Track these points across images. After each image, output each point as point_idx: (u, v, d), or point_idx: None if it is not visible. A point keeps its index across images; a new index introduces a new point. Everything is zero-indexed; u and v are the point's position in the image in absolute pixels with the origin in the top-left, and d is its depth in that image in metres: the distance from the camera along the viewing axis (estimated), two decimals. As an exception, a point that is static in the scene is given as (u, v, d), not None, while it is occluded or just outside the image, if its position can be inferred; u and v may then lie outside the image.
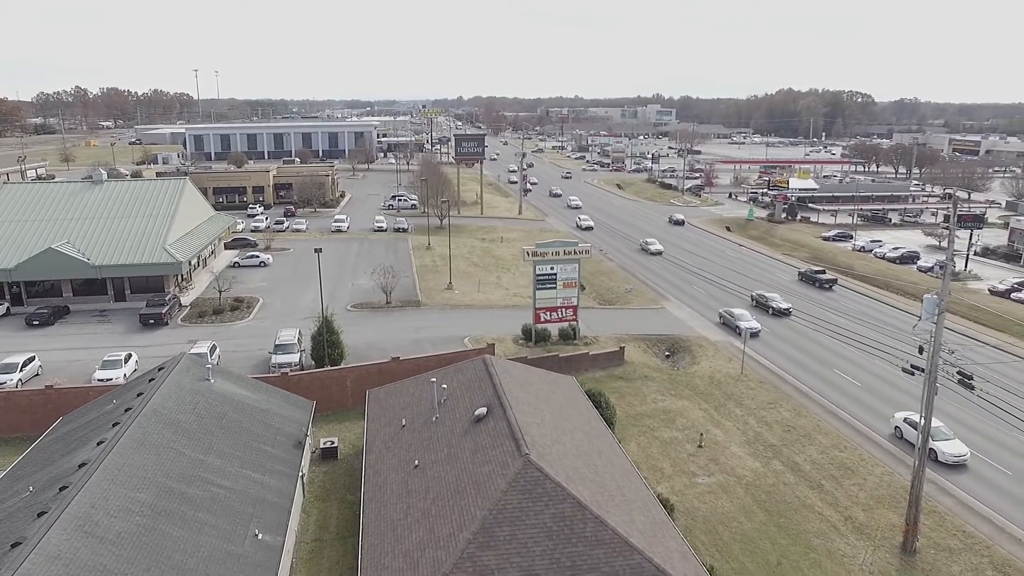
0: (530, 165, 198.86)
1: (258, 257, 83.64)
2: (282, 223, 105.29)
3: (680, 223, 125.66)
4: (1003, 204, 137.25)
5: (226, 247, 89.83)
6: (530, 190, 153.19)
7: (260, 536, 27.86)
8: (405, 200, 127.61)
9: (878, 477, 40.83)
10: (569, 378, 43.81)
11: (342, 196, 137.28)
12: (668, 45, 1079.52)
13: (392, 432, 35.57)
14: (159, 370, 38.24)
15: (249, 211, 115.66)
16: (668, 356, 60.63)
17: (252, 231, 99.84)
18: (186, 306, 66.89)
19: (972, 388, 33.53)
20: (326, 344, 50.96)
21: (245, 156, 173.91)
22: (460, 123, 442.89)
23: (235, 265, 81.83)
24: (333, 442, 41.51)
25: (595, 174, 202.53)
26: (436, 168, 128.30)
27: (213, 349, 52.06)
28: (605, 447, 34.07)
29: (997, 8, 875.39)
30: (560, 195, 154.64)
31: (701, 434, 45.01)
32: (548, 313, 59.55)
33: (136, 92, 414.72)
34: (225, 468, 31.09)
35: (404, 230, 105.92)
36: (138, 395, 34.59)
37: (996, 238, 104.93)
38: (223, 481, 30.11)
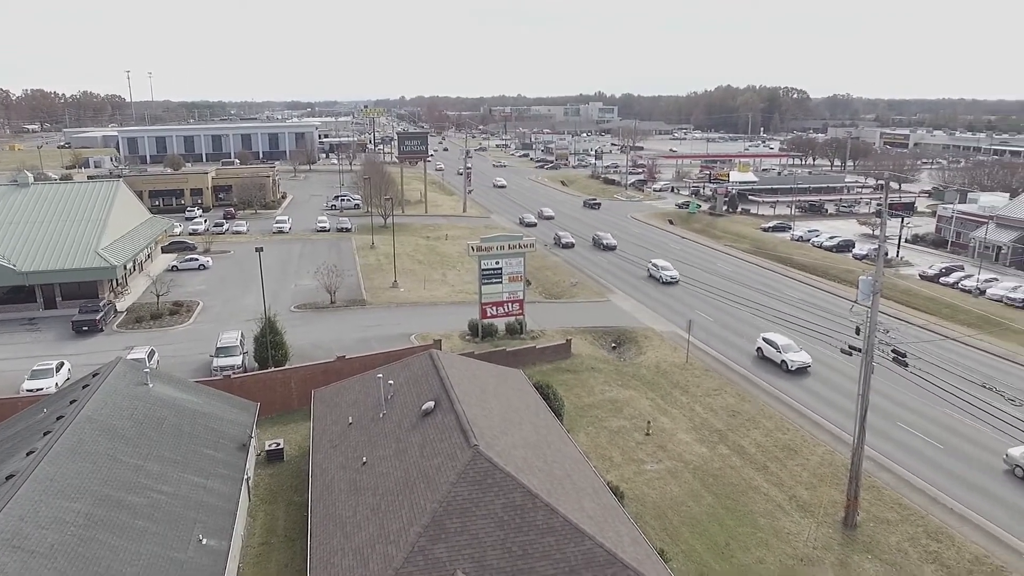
0: (490, 166, 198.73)
1: (197, 260, 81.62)
2: (222, 225, 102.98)
3: (596, 206, 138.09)
4: (930, 193, 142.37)
5: (164, 251, 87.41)
6: (471, 190, 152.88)
7: (204, 541, 27.14)
8: (348, 200, 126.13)
9: (820, 456, 41.90)
10: (517, 371, 43.85)
11: (283, 197, 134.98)
12: (609, 44, 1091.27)
13: (339, 431, 35.07)
14: (94, 376, 36.94)
15: (187, 214, 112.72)
16: (614, 347, 61.15)
17: (191, 234, 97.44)
18: (122, 312, 64.85)
19: (906, 365, 34.65)
20: (269, 345, 50.01)
21: (182, 159, 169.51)
22: (403, 123, 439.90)
23: (173, 269, 79.68)
24: (279, 444, 40.75)
25: (540, 171, 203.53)
26: (379, 167, 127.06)
27: (152, 354, 50.60)
28: (554, 438, 34.17)
29: (922, 8, 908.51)
30: (505, 186, 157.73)
31: (649, 422, 45.52)
32: (494, 308, 59.52)
33: (64, 94, 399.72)
34: (166, 473, 30.19)
35: (347, 230, 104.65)
36: (71, 402, 33.33)
37: (925, 226, 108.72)
38: (164, 487, 29.25)
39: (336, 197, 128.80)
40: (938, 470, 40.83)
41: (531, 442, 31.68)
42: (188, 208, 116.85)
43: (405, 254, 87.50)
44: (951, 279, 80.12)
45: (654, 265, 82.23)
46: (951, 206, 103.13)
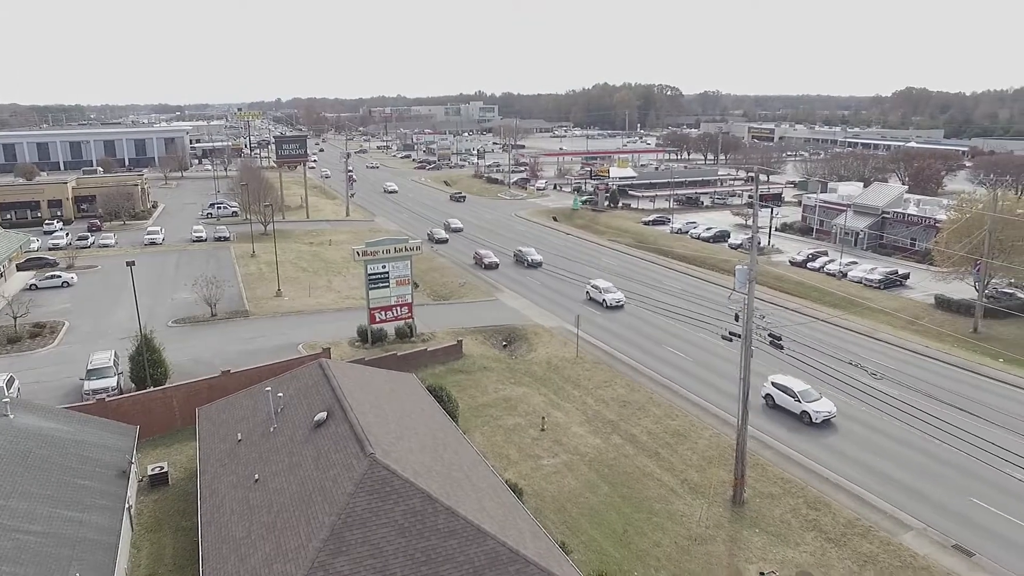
0: (364, 168, 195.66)
1: (59, 277, 76.18)
2: (86, 239, 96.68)
3: (461, 199, 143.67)
4: (795, 184, 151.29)
5: (19, 268, 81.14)
6: (354, 192, 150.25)
7: (83, 578, 25.37)
8: (225, 207, 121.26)
9: (707, 440, 43.71)
10: (409, 375, 43.47)
11: (154, 207, 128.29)
12: (488, 43, 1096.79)
13: (228, 448, 33.63)
14: (-55, 409, 33.80)
15: (46, 227, 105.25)
16: (505, 346, 61.62)
17: (50, 249, 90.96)
18: (-25, 337, 59.69)
19: (781, 348, 36.60)
20: (147, 364, 47.31)
21: (36, 167, 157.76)
22: (280, 126, 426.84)
23: (32, 287, 74.09)
24: (163, 467, 38.64)
25: (422, 172, 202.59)
26: (257, 173, 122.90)
27: (11, 382, 46.68)
28: (451, 440, 34.07)
29: (780, 9, 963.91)
30: (396, 191, 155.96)
31: (543, 418, 46.12)
32: (383, 312, 58.73)
33: None
34: (33, 511, 28.00)
35: (226, 239, 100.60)
36: (-80, 439, 30.41)
37: (793, 215, 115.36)
38: (31, 526, 27.10)
39: (212, 205, 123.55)
40: (814, 444, 43.47)
41: (428, 446, 31.46)
42: (46, 221, 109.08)
43: (288, 262, 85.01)
44: (817, 264, 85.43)
45: (595, 287, 73.84)
46: (814, 196, 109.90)
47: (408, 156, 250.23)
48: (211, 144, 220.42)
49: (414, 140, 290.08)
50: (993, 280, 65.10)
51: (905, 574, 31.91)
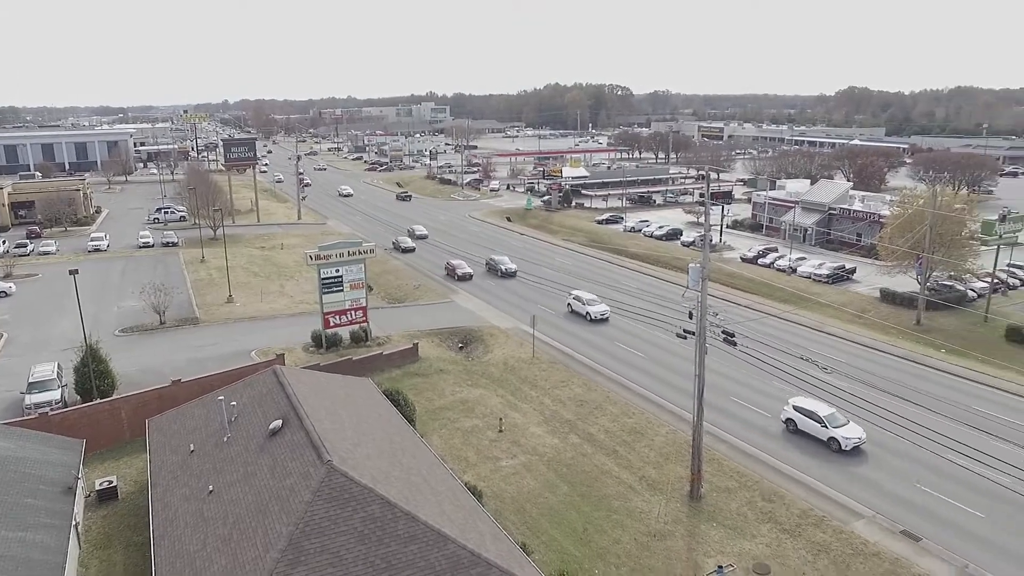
0: (312, 169, 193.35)
1: (-2, 287, 73.59)
2: (25, 246, 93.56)
3: (407, 198, 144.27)
4: (745, 182, 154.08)
5: (-44, 279, 78.13)
6: (305, 195, 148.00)
7: (29, 598, 24.54)
8: (173, 212, 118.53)
9: (664, 436, 44.20)
10: (365, 380, 43.07)
11: (98, 212, 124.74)
12: (438, 44, 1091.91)
13: (180, 460, 32.86)
14: None
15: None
16: (462, 347, 61.46)
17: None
18: (-91, 351, 57.32)
19: (735, 344, 37.21)
20: (92, 375, 45.93)
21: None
22: (228, 128, 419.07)
23: (-31, 298, 71.43)
24: (111, 481, 37.55)
25: (373, 173, 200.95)
26: (205, 176, 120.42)
27: (-51, 396, 45.04)
28: (409, 444, 33.85)
29: (727, 10, 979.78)
30: (351, 194, 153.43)
31: (500, 419, 46.12)
32: (338, 317, 58.07)
33: None
34: (-24, 529, 26.99)
35: (174, 244, 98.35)
36: None
37: (743, 212, 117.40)
38: (-25, 544, 26.13)
39: (159, 210, 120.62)
40: (769, 437, 44.30)
41: (386, 451, 31.19)
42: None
43: (239, 267, 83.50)
44: (768, 260, 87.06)
45: (577, 299, 69.68)
46: (763, 193, 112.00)
47: (360, 158, 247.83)
48: (157, 147, 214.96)
49: (365, 142, 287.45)
50: (934, 273, 67.11)
51: (857, 561, 32.70)
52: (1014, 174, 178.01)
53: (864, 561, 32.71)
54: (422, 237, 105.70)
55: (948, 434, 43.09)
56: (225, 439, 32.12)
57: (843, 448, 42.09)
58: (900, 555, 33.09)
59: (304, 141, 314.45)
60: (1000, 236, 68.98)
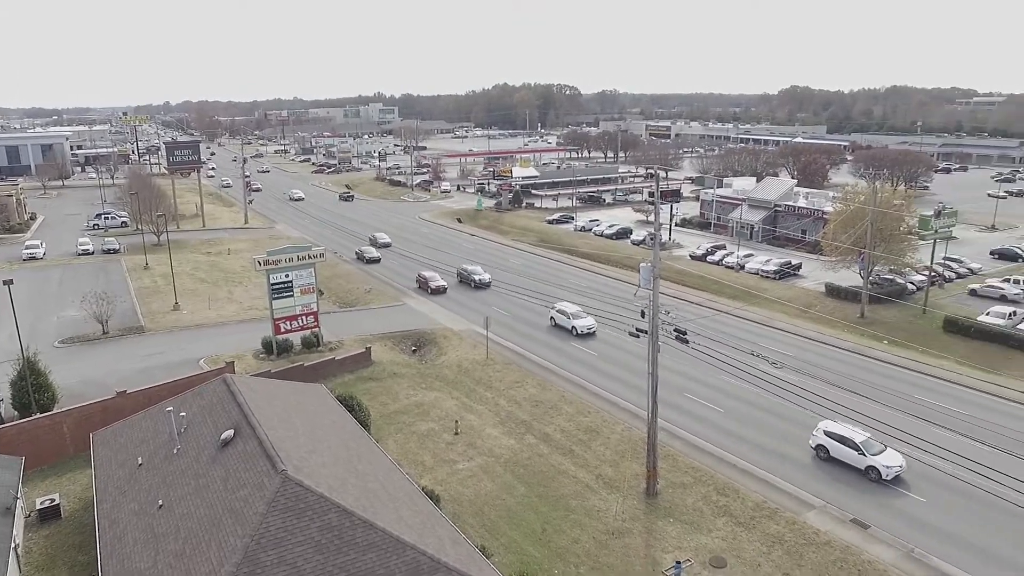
0: (262, 173, 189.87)
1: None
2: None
3: (349, 198, 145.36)
4: (692, 180, 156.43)
5: None
6: (252, 199, 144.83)
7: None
8: (114, 218, 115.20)
9: (619, 434, 44.57)
10: (318, 386, 42.48)
11: (33, 218, 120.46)
12: (385, 44, 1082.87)
13: (127, 474, 31.91)
14: None
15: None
16: (415, 350, 61.07)
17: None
18: None
19: (687, 342, 37.71)
20: (31, 389, 44.31)
21: None
22: (170, 130, 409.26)
23: None
24: (54, 499, 36.25)
25: (321, 176, 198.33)
26: (147, 180, 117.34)
27: None
28: (364, 450, 33.47)
29: (672, 10, 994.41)
30: (303, 198, 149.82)
31: (456, 421, 45.96)
32: (288, 322, 57.18)
33: None
34: (-90, 553, 25.79)
35: (116, 251, 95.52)
36: None
37: (691, 210, 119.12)
38: (-91, 569, 24.97)
39: (99, 215, 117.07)
40: (720, 432, 45.02)
41: (341, 458, 30.79)
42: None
43: (185, 273, 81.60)
44: (716, 257, 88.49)
45: (561, 312, 65.64)
46: (711, 191, 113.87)
47: (308, 160, 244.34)
48: (95, 150, 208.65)
49: (313, 143, 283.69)
50: (876, 267, 69.07)
51: (809, 551, 33.45)
52: (947, 170, 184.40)
53: (816, 550, 33.48)
54: (385, 245, 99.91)
55: (891, 423, 44.37)
56: (175, 451, 31.31)
57: (884, 478, 38.69)
58: (850, 543, 33.96)
59: (250, 143, 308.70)
60: (936, 231, 71.30)
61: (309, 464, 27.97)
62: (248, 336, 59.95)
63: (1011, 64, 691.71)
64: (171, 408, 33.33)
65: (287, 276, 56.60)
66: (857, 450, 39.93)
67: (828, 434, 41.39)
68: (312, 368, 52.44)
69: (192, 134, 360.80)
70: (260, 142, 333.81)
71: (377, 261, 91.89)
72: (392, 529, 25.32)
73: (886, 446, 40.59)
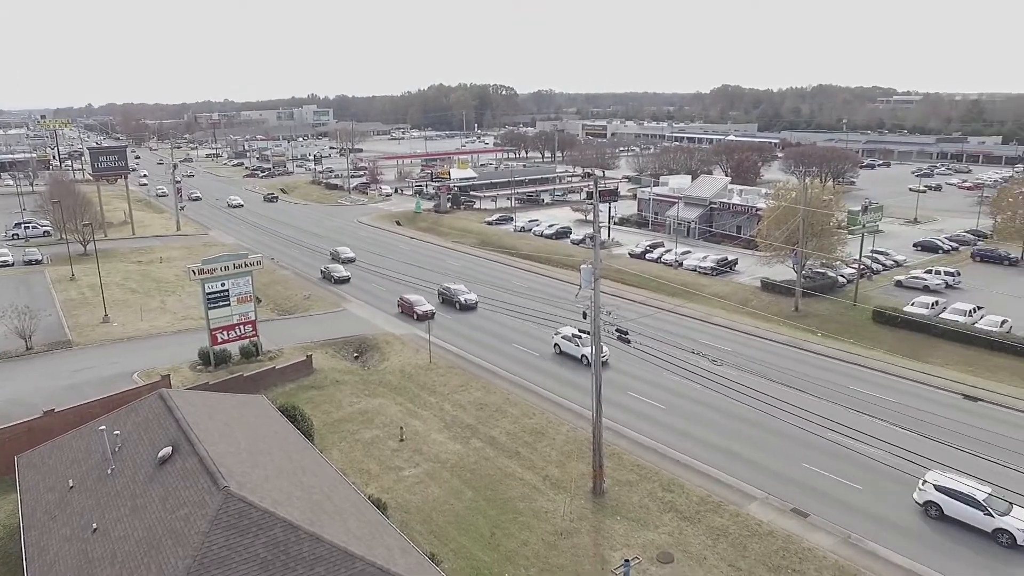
0: (186, 177, 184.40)
1: None
2: None
3: (274, 199, 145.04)
4: (629, 179, 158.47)
5: None
6: (184, 206, 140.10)
7: None
8: (35, 227, 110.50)
9: (565, 435, 44.83)
10: (259, 397, 41.52)
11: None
12: (317, 45, 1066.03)
13: (57, 498, 30.60)
14: None
15: None
16: (357, 357, 60.35)
17: None
18: None
19: (628, 342, 38.16)
20: (-49, 410, 42.21)
21: None
22: (94, 134, 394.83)
23: None
24: (-22, 525, 34.62)
25: (255, 180, 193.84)
26: (70, 187, 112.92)
27: None
28: (309, 461, 32.86)
29: (604, 9, 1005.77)
30: (242, 205, 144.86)
31: (401, 428, 45.57)
32: (226, 332, 55.78)
33: None
34: None
35: (38, 262, 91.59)
36: None
37: (629, 208, 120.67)
38: None
39: (18, 225, 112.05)
40: (664, 428, 45.72)
41: (285, 470, 30.16)
42: None
43: (114, 283, 78.90)
44: (655, 255, 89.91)
45: (568, 339, 57.45)
46: (648, 190, 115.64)
47: (241, 164, 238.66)
48: (11, 156, 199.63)
49: (246, 147, 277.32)
50: (808, 262, 71.19)
51: (753, 542, 34.24)
52: (871, 166, 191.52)
53: (759, 541, 34.29)
54: (350, 260, 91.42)
55: (826, 414, 45.80)
56: (109, 471, 30.16)
57: (1018, 543, 32.85)
58: (791, 532, 34.90)
59: (179, 147, 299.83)
60: (863, 225, 73.95)
61: (252, 479, 27.32)
62: (184, 347, 58.25)
63: (926, 64, 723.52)
64: (104, 426, 32.10)
65: (223, 285, 55.21)
66: (980, 508, 34.28)
67: (939, 488, 35.66)
68: (252, 378, 51.30)
69: (118, 138, 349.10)
70: (190, 146, 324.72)
71: (346, 281, 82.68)
72: (340, 541, 24.92)
73: (1012, 504, 34.35)
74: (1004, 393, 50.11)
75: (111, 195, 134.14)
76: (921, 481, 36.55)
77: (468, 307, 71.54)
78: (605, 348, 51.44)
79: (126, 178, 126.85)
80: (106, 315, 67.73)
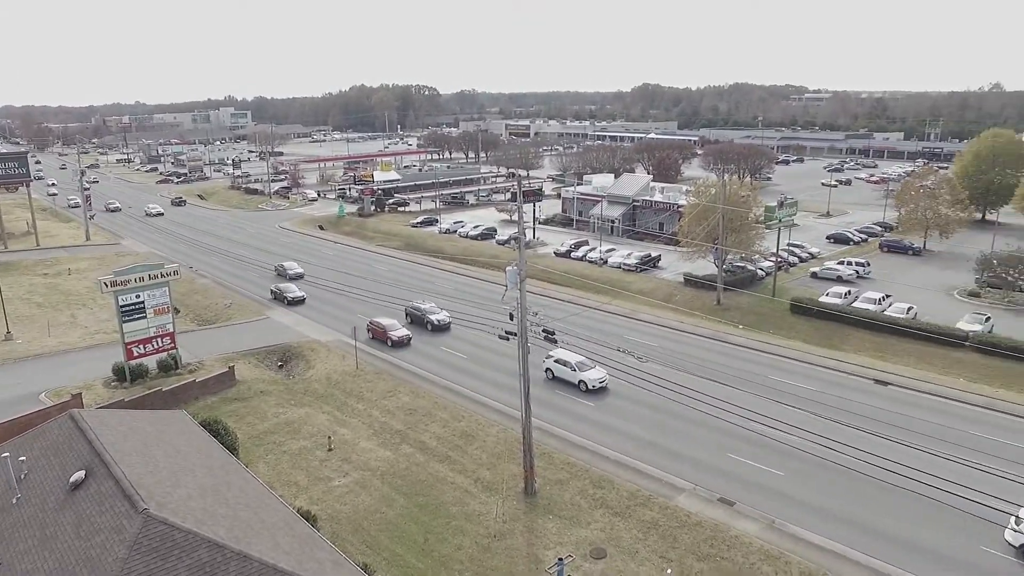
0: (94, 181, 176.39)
1: None
2: None
3: (181, 203, 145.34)
4: (553, 178, 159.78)
5: None
6: (93, 215, 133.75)
7: None
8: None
9: (495, 436, 44.85)
10: (179, 412, 40.04)
11: None
12: (232, 45, 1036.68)
13: (-41, 528, 28.80)
14: None
15: None
16: (281, 366, 59.01)
17: None
18: None
19: (555, 342, 38.43)
20: None
21: None
22: None
23: None
24: None
25: (169, 186, 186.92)
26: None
27: None
28: (234, 476, 31.89)
29: (526, 9, 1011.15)
30: (162, 214, 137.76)
31: (329, 437, 44.77)
32: (142, 346, 53.65)
33: None
34: None
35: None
36: None
37: (553, 208, 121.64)
38: None
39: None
40: (593, 426, 46.23)
41: (209, 488, 29.19)
42: None
43: (18, 298, 75.01)
44: (580, 253, 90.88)
45: (560, 363, 53.00)
46: (571, 189, 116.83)
47: (155, 169, 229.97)
48: None
49: (160, 151, 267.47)
50: (728, 256, 73.20)
51: (682, 532, 34.98)
52: (786, 162, 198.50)
53: (689, 531, 35.05)
54: (298, 277, 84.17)
55: (749, 404, 47.20)
56: (14, 501, 28.51)
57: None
58: (719, 521, 35.80)
59: (87, 152, 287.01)
60: (780, 220, 76.53)
61: (173, 499, 26.33)
62: (97, 363, 55.74)
63: (835, 63, 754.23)
64: (7, 453, 30.35)
65: (138, 296, 53.10)
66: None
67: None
68: (171, 393, 49.55)
69: (17, 143, 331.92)
70: (99, 151, 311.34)
71: (301, 302, 74.77)
72: (268, 558, 24.26)
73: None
74: (911, 376, 52.66)
75: (12, 204, 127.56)
76: (1012, 520, 32.89)
77: (440, 328, 64.80)
78: (603, 371, 52.15)
79: (28, 186, 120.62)
80: (8, 332, 64.26)
